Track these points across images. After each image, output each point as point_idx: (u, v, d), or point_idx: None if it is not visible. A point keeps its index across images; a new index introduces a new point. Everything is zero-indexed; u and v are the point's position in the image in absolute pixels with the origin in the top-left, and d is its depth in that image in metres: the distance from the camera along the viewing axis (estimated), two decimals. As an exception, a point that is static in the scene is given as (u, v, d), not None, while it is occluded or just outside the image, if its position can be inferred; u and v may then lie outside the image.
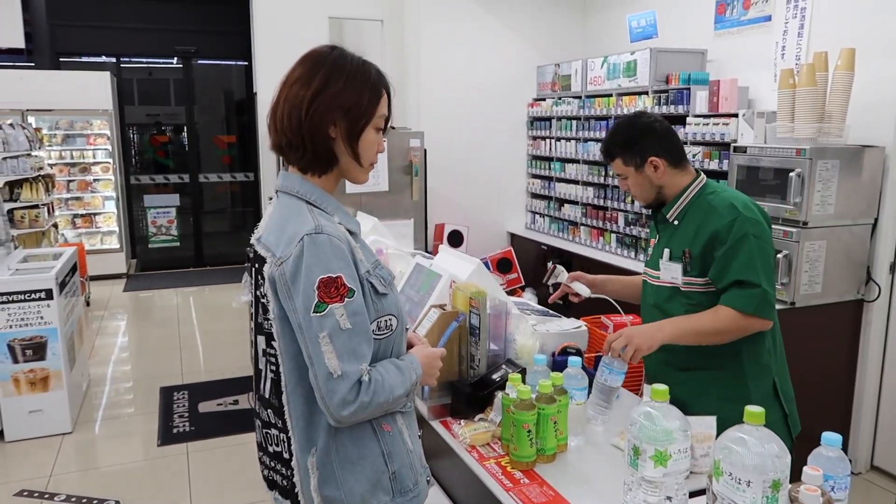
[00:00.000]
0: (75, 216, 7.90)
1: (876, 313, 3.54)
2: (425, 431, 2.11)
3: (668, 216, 2.09)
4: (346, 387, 1.27)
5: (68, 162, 7.81)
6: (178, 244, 8.69)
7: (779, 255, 3.33)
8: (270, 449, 1.47)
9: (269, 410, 1.45)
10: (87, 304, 6.63)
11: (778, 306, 3.33)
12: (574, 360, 1.93)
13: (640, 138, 2.03)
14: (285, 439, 1.41)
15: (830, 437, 1.33)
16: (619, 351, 1.89)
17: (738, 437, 1.26)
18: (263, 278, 1.37)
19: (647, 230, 4.64)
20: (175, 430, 4.04)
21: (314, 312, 1.27)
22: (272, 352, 1.40)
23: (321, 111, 1.34)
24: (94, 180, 7.90)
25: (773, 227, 3.38)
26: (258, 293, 1.43)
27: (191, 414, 4.27)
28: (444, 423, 1.98)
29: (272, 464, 1.47)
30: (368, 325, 1.34)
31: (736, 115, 3.83)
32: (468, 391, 1.98)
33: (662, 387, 1.39)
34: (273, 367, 1.40)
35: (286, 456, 1.42)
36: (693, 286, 2.00)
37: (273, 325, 1.37)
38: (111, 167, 7.87)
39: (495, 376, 2.00)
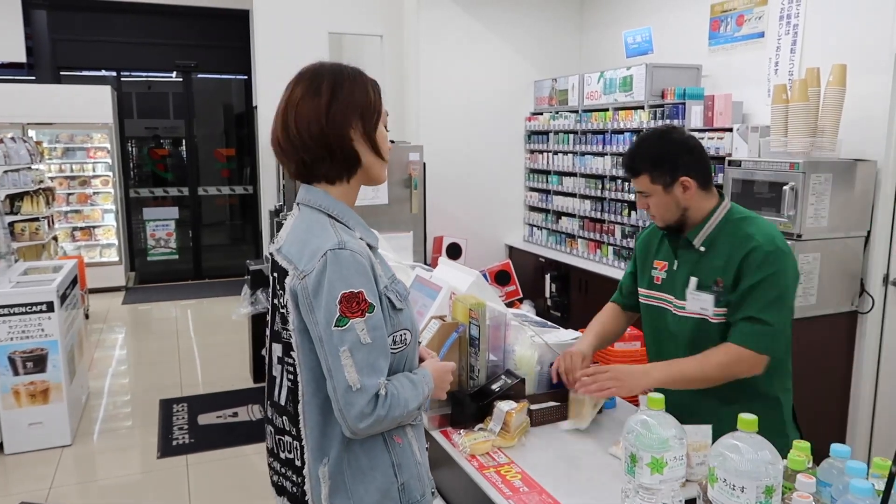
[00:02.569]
0: (75, 229, 7.93)
1: (870, 325, 3.58)
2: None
3: (693, 241, 1.94)
4: (364, 400, 1.30)
5: (68, 175, 7.85)
6: (176, 257, 8.72)
7: (773, 268, 3.37)
8: (282, 455, 1.49)
9: (283, 417, 1.47)
10: (87, 316, 6.64)
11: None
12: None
13: (673, 155, 1.89)
14: (298, 447, 1.44)
15: (839, 450, 1.36)
16: (603, 386, 1.87)
17: (732, 443, 1.29)
18: (283, 288, 1.40)
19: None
20: (175, 443, 4.05)
21: (335, 326, 1.30)
22: (290, 361, 1.43)
23: (340, 115, 1.39)
24: (94, 193, 7.93)
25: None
26: (276, 302, 1.46)
27: (190, 426, 4.28)
28: (445, 432, 2.00)
29: (283, 470, 1.50)
30: (387, 340, 1.37)
31: (730, 130, 3.89)
32: (468, 401, 2.01)
33: (658, 395, 1.42)
34: (290, 376, 1.43)
35: (298, 463, 1.45)
36: (721, 317, 1.88)
37: (292, 335, 1.40)
38: (111, 180, 7.91)
39: (494, 386, 2.03)
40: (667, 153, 1.90)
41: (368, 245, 1.43)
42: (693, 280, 1.93)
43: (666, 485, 1.39)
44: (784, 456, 1.38)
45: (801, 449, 1.45)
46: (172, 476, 3.69)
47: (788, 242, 3.28)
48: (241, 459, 3.88)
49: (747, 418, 1.29)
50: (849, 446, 1.40)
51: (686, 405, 1.86)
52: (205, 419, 4.39)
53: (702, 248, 1.93)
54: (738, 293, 1.83)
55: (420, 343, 1.91)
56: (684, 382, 1.87)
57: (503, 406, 1.90)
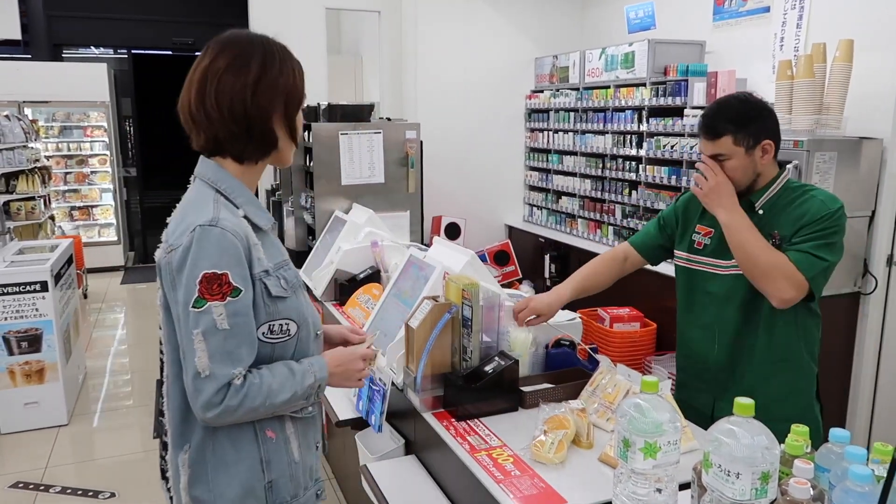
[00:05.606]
0: (72, 208, 7.89)
1: (872, 306, 3.53)
2: (418, 423, 2.11)
3: (756, 205, 1.96)
4: (212, 388, 1.23)
5: (65, 154, 7.79)
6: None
7: (775, 248, 3.32)
8: (164, 438, 1.44)
9: (162, 398, 1.43)
10: (85, 296, 6.62)
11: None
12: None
13: (758, 117, 1.90)
14: (169, 429, 1.39)
15: (839, 434, 1.32)
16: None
17: (728, 428, 1.25)
18: None
19: (644, 222, 4.62)
20: (171, 423, 4.04)
21: (192, 307, 1.24)
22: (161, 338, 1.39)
23: (266, 96, 1.33)
24: (92, 172, 7.88)
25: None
26: None
27: (187, 406, 4.27)
28: (437, 414, 1.97)
29: (163, 453, 1.46)
30: (252, 328, 1.29)
31: (733, 107, 3.81)
32: (460, 383, 1.97)
33: (652, 378, 1.38)
34: (161, 354, 1.38)
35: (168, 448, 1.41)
36: None
37: (160, 311, 1.35)
38: (108, 159, 7.85)
39: (488, 368, 1.99)
40: (752, 114, 1.90)
41: (256, 226, 1.36)
42: None
43: (659, 469, 1.35)
44: (809, 425, 1.40)
45: (799, 433, 1.41)
46: (168, 456, 3.68)
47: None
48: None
49: (744, 402, 1.24)
50: (848, 431, 1.36)
51: (732, 367, 2.01)
52: (202, 399, 4.37)
53: (760, 212, 1.95)
54: (797, 234, 1.87)
55: (407, 322, 1.88)
56: (745, 232, 1.87)
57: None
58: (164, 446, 1.43)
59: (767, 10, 4.07)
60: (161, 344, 1.45)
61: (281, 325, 1.34)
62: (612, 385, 1.96)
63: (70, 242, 4.59)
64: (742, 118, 1.88)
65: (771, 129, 1.92)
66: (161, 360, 1.44)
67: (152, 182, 8.93)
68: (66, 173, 7.79)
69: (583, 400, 1.95)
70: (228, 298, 1.24)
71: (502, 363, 1.99)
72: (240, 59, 1.31)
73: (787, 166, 2.05)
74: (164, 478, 1.46)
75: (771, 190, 1.96)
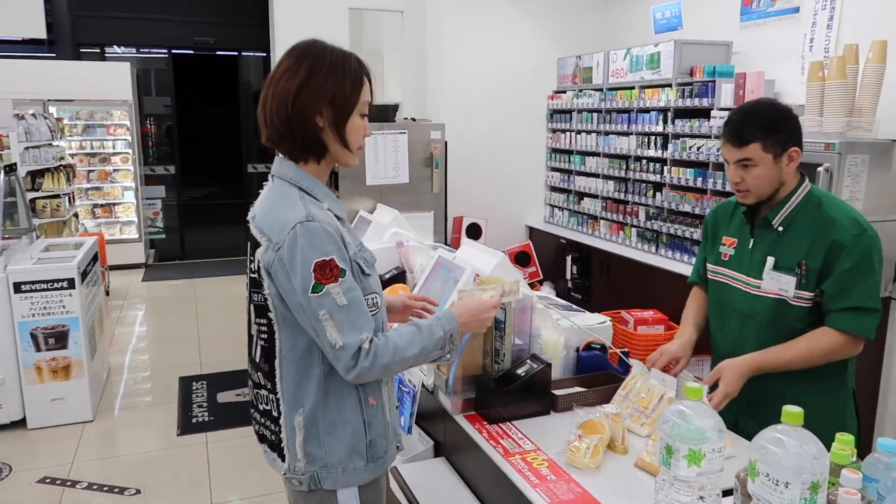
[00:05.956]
0: (95, 206, 7.96)
1: (904, 311, 3.48)
2: (448, 425, 2.10)
3: (773, 221, 1.92)
4: (347, 356, 1.40)
5: (88, 152, 7.86)
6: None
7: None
8: (261, 407, 1.59)
9: (259, 373, 1.58)
10: (107, 293, 6.69)
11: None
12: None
13: (786, 125, 1.86)
14: (274, 399, 1.54)
15: (887, 444, 1.30)
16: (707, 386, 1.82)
17: (776, 437, 1.23)
18: (251, 255, 1.48)
19: (671, 225, 4.58)
20: (194, 420, 4.07)
21: (312, 293, 1.39)
22: (262, 322, 1.51)
23: (307, 103, 1.43)
24: (114, 170, 7.95)
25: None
26: (251, 268, 1.52)
27: (209, 404, 4.29)
28: (469, 417, 1.96)
29: (262, 420, 1.60)
30: (362, 298, 1.45)
31: (762, 109, 3.76)
32: (492, 386, 1.96)
33: (696, 385, 1.36)
34: (264, 335, 1.52)
35: (275, 414, 1.54)
36: (802, 300, 1.87)
37: (267, 299, 1.47)
38: (130, 157, 7.92)
39: (520, 371, 1.97)
40: (780, 121, 1.86)
41: (337, 216, 1.51)
42: (770, 260, 1.91)
43: (703, 477, 1.33)
44: (847, 431, 1.39)
45: (844, 442, 1.38)
46: (192, 453, 3.70)
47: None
48: (261, 438, 3.88)
49: (792, 411, 1.22)
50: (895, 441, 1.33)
51: (756, 384, 1.89)
52: (224, 397, 4.40)
53: (780, 229, 1.91)
54: (834, 280, 1.82)
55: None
56: (785, 367, 1.87)
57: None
58: (263, 413, 1.59)
59: (797, 10, 4.02)
60: (249, 326, 1.58)
61: (372, 299, 1.51)
62: (646, 390, 1.94)
63: (95, 240, 4.63)
64: (771, 124, 1.84)
65: (797, 136, 1.88)
66: (252, 337, 1.58)
67: (189, 180, 8.99)
68: (90, 171, 7.87)
69: (616, 404, 1.93)
70: (340, 279, 1.40)
71: (535, 366, 1.97)
72: (292, 68, 1.44)
73: (806, 178, 1.96)
74: (262, 442, 1.64)
75: (790, 203, 1.90)
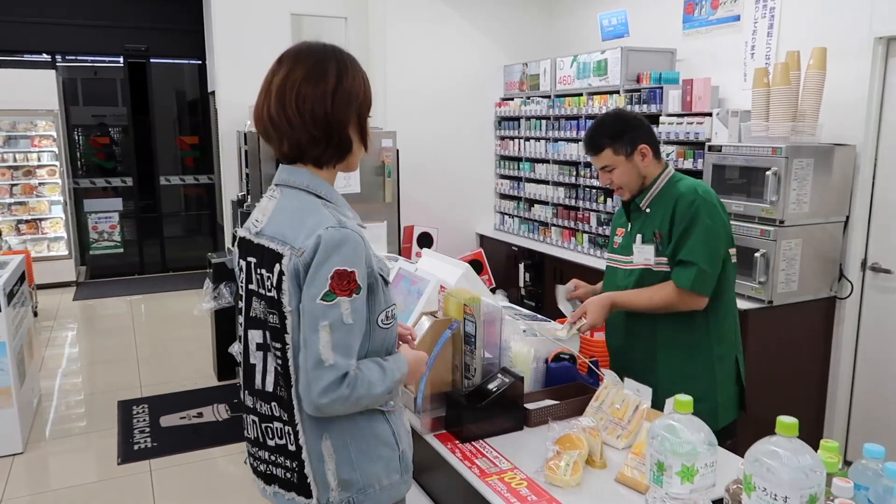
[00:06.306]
0: (20, 222, 7.50)
1: (848, 310, 3.58)
2: (419, 445, 2.01)
3: (640, 205, 2.23)
4: (332, 376, 1.30)
5: (11, 165, 7.41)
6: (122, 250, 8.29)
7: (756, 255, 3.34)
8: (271, 443, 1.46)
9: (272, 403, 1.44)
10: (35, 314, 6.29)
11: (755, 305, 3.36)
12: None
13: (630, 128, 2.18)
14: (291, 431, 1.42)
15: (874, 450, 1.28)
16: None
17: (771, 450, 1.19)
18: (270, 271, 1.38)
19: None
20: (136, 447, 3.83)
21: (322, 300, 1.30)
22: (277, 345, 1.40)
23: (344, 102, 1.40)
24: (40, 184, 7.51)
25: (750, 225, 3.41)
26: (253, 288, 1.44)
27: (152, 428, 4.06)
28: (439, 436, 1.88)
29: (272, 458, 1.47)
30: (364, 324, 1.38)
31: (710, 115, 3.83)
32: (464, 403, 1.88)
33: (686, 398, 1.32)
34: (279, 360, 1.40)
35: (292, 448, 1.42)
36: (663, 265, 2.17)
37: (288, 317, 1.36)
38: (58, 170, 7.50)
39: (491, 386, 1.91)
40: (624, 126, 2.18)
41: (360, 226, 1.45)
42: (639, 236, 2.22)
43: (696, 493, 1.29)
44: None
45: (829, 450, 1.36)
46: (135, 482, 3.48)
47: (771, 229, 3.31)
48: (208, 462, 3.68)
49: (787, 421, 1.18)
50: (883, 446, 1.32)
51: (626, 349, 2.30)
52: (168, 420, 4.16)
53: (647, 210, 2.22)
54: (672, 242, 2.13)
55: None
56: (633, 305, 2.19)
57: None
58: (274, 450, 1.47)
59: (738, 18, 4.12)
60: (247, 355, 1.49)
61: (392, 310, 1.47)
62: (620, 400, 1.90)
63: (21, 258, 4.33)
64: (616, 131, 2.17)
65: (644, 135, 2.18)
66: (254, 366, 1.48)
67: (145, 190, 8.56)
68: (13, 185, 7.41)
69: (590, 417, 1.88)
70: (354, 295, 1.33)
71: (506, 380, 1.91)
72: (317, 69, 1.39)
73: (670, 164, 2.32)
74: (270, 483, 1.50)
75: (654, 188, 2.21)
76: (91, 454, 3.81)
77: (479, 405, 1.86)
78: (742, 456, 1.25)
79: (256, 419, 1.48)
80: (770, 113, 3.40)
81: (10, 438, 3.71)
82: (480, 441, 1.85)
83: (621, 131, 2.17)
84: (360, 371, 1.36)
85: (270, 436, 1.46)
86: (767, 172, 3.29)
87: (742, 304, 3.23)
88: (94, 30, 7.87)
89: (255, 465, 1.52)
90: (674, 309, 2.13)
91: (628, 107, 4.42)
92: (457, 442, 1.85)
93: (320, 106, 1.37)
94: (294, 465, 1.42)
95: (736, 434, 2.26)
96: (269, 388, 1.44)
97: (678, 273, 2.11)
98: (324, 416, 1.36)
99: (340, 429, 1.40)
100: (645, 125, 2.22)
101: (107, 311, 6.87)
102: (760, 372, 3.32)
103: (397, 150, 4.08)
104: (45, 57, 8.00)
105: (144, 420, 4.17)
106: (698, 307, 2.13)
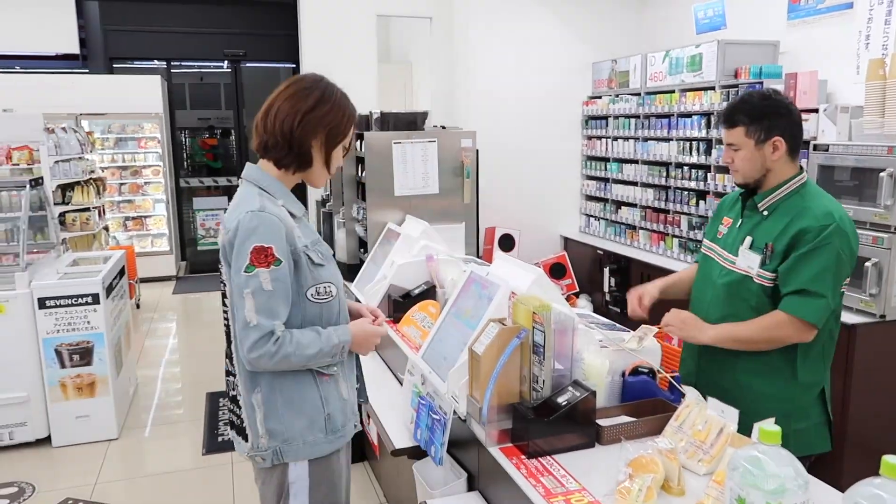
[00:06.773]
0: (127, 219, 7.99)
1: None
2: (482, 456, 1.94)
3: (759, 204, 2.04)
4: (256, 335, 1.56)
5: (120, 165, 7.90)
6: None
7: (867, 263, 3.04)
8: (230, 394, 1.77)
9: (228, 360, 1.75)
10: (138, 306, 6.67)
11: (865, 319, 3.06)
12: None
13: (772, 114, 1.97)
14: (236, 384, 1.71)
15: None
16: (668, 321, 2.09)
17: (874, 493, 1.04)
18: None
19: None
20: (220, 439, 3.95)
21: (244, 272, 1.58)
22: (225, 310, 1.72)
23: (311, 125, 1.67)
24: (145, 183, 7.97)
25: (861, 232, 3.10)
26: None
27: (236, 421, 4.17)
28: (505, 449, 1.79)
29: (231, 406, 1.76)
30: (289, 292, 1.62)
31: (816, 111, 3.53)
32: (531, 416, 1.78)
33: (774, 427, 1.17)
34: (225, 320, 1.72)
35: (239, 398, 1.71)
36: (764, 279, 1.99)
37: (227, 285, 1.67)
38: (161, 170, 7.93)
39: (561, 399, 1.80)
40: (767, 111, 1.97)
41: (292, 214, 1.70)
42: (748, 239, 2.03)
43: (783, 536, 1.14)
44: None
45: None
46: (217, 473, 3.58)
47: (884, 236, 2.97)
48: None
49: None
50: None
51: (717, 378, 2.08)
52: (251, 414, 4.27)
53: (765, 213, 2.02)
54: (788, 262, 1.92)
55: (471, 347, 1.78)
56: (733, 342, 2.00)
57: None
58: (232, 400, 1.76)
59: (850, 5, 3.79)
60: (226, 314, 1.74)
61: (325, 286, 1.70)
62: (703, 421, 1.74)
63: (122, 254, 4.58)
64: (758, 113, 1.97)
65: (785, 128, 1.96)
66: (226, 326, 1.73)
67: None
68: (121, 184, 7.90)
69: (669, 438, 1.73)
70: (272, 266, 1.58)
71: (577, 394, 1.79)
72: (302, 92, 1.69)
73: (805, 171, 2.06)
74: (232, 428, 1.79)
75: (779, 191, 2.00)
76: (180, 443, 3.97)
77: (546, 419, 1.76)
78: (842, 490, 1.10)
79: (225, 373, 1.77)
80: (886, 108, 3.09)
81: (107, 425, 3.92)
82: (548, 457, 1.75)
83: (762, 115, 1.96)
84: (291, 333, 1.60)
85: (230, 388, 1.75)
86: (882, 174, 2.99)
87: (851, 318, 2.95)
88: (198, 37, 8.29)
89: (227, 415, 1.81)
90: (774, 346, 1.96)
91: (722, 104, 4.15)
92: (522, 457, 1.75)
93: (289, 121, 1.65)
94: (239, 412, 1.71)
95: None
96: (229, 346, 1.73)
97: (801, 303, 1.90)
98: (255, 370, 1.62)
99: (270, 384, 1.65)
100: (792, 117, 1.99)
101: (203, 304, 7.19)
102: (868, 393, 3.02)
103: (477, 151, 4.00)
104: (159, 63, 8.50)
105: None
106: (806, 339, 1.94)
